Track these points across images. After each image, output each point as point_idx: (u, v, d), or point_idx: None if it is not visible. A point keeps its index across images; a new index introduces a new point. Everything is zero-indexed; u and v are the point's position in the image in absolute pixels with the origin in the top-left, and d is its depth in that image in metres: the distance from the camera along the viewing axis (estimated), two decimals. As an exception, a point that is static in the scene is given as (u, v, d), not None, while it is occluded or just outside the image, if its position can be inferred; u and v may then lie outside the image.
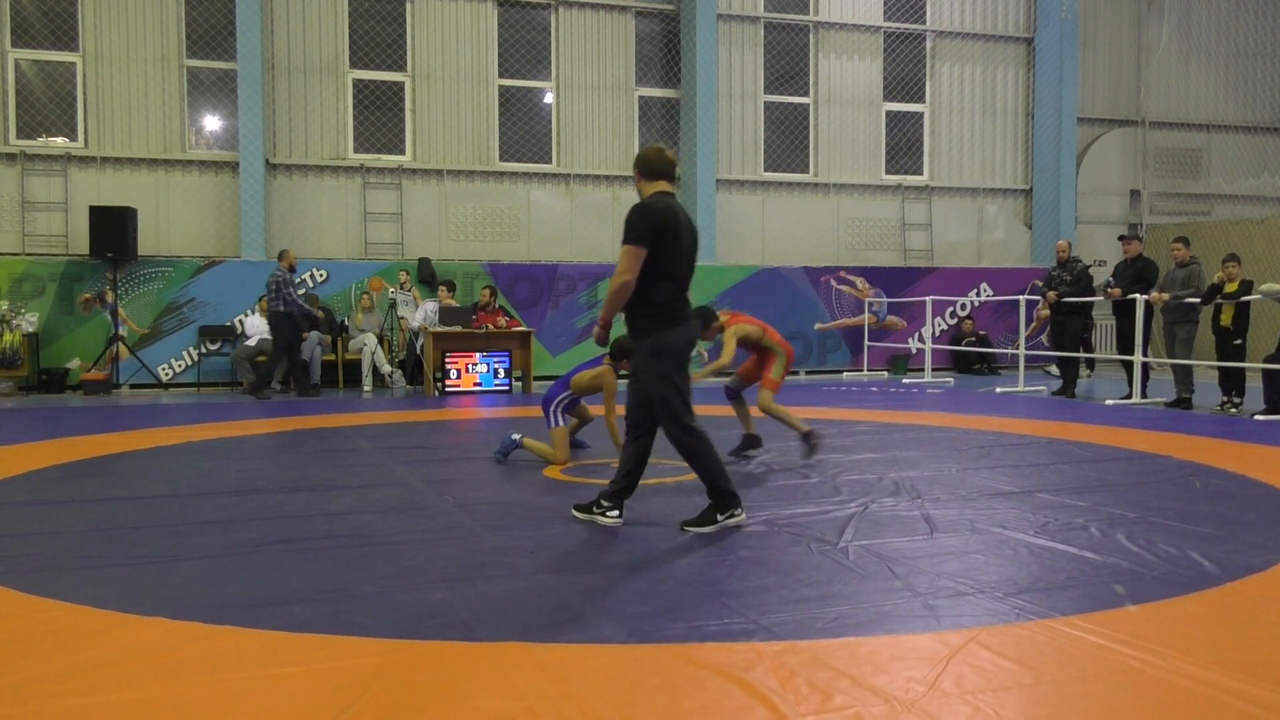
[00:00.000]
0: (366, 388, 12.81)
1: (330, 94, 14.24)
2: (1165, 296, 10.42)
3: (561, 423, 6.77)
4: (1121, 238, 11.46)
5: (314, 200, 14.18)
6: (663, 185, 4.81)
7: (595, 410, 7.23)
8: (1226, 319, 10.08)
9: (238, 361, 12.63)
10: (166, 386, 12.93)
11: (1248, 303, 10.01)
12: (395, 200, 14.41)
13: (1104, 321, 15.72)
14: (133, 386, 12.83)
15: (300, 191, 14.04)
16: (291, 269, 11.90)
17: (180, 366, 13.04)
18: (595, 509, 4.97)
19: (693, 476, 6.21)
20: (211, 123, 14.10)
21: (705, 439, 4.80)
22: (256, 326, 12.80)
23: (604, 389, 6.74)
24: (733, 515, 4.85)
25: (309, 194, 14.11)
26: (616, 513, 4.92)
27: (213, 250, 13.74)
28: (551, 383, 7.53)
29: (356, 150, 14.32)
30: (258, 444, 7.89)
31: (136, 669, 2.94)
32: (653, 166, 4.81)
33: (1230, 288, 9.91)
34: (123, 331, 12.71)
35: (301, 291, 12.71)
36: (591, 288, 14.40)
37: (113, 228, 12.36)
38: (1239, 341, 10.01)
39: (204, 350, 13.07)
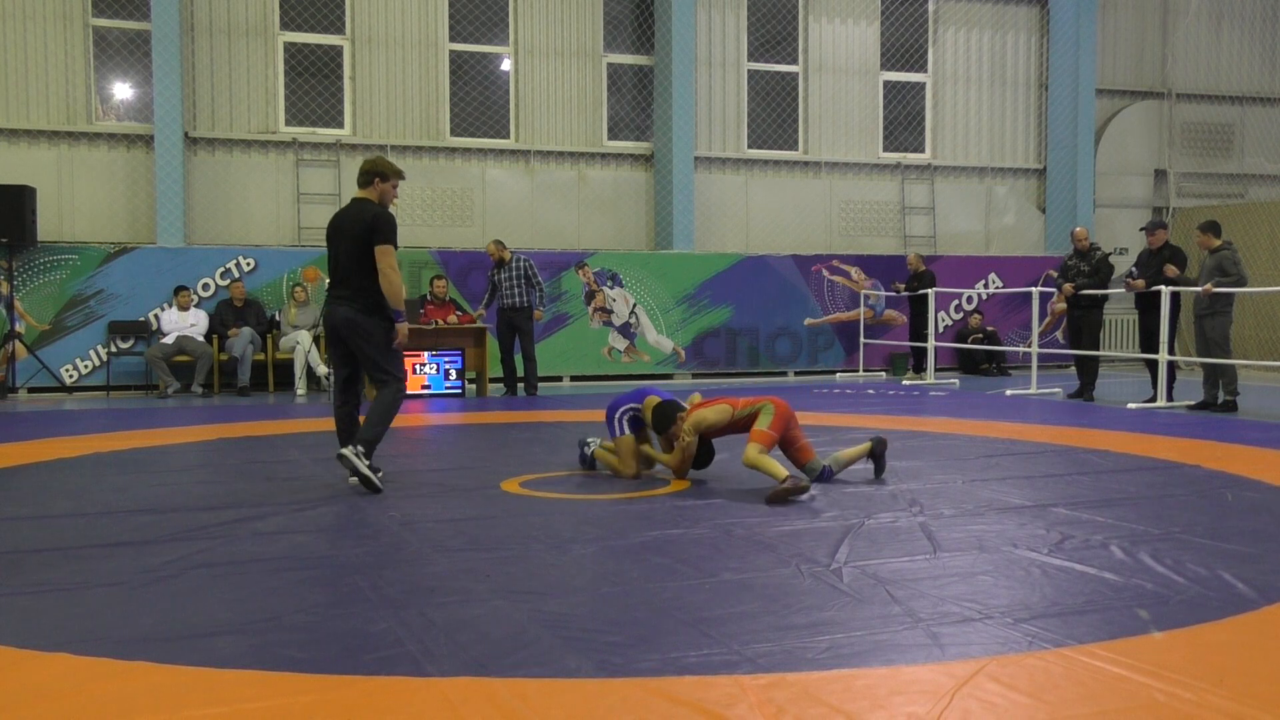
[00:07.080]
0: (300, 391, 12.73)
1: (258, 59, 14.13)
2: (1210, 287, 10.33)
3: (626, 432, 6.71)
4: (1144, 228, 11.53)
5: (240, 179, 14.07)
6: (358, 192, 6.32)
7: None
8: None
9: (153, 362, 12.51)
10: (71, 390, 12.79)
11: None
12: (332, 180, 14.32)
13: (1126, 316, 15.87)
14: (31, 390, 12.69)
15: (224, 169, 13.93)
16: (499, 263, 12.34)
17: (86, 368, 12.91)
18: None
19: (662, 492, 6.23)
20: (122, 91, 13.96)
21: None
22: (174, 322, 12.69)
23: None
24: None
25: (234, 172, 14.01)
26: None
27: (124, 236, 13.60)
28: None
29: (288, 123, 14.22)
30: (176, 455, 7.82)
31: (36, 712, 2.91)
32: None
33: None
34: (20, 328, 12.57)
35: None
36: (556, 278, 14.37)
37: (8, 209, 12.22)
38: None
39: (114, 349, 12.94)
